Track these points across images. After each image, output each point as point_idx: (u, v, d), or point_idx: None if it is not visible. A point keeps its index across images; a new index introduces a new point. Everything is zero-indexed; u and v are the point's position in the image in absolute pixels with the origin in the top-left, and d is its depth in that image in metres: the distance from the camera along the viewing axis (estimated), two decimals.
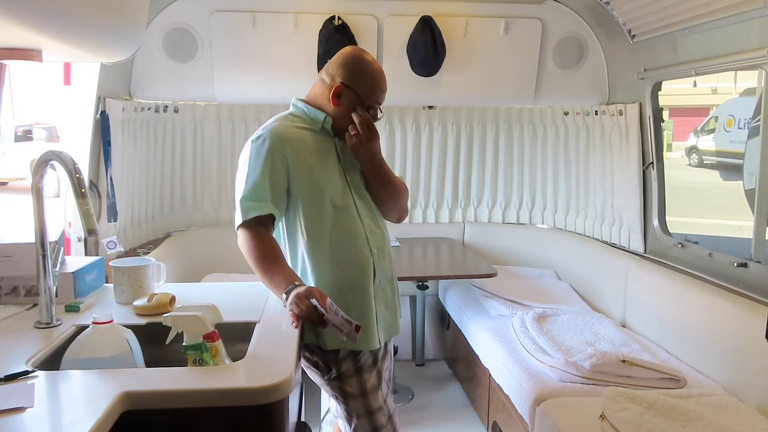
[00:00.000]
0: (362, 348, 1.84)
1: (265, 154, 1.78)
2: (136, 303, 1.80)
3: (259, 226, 1.77)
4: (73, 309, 1.79)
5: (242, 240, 1.77)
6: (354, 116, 1.81)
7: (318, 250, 1.83)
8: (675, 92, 15.31)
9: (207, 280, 3.25)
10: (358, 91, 1.83)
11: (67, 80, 2.76)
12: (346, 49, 1.92)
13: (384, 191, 1.96)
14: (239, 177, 1.82)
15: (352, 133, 1.82)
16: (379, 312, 1.90)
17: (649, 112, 3.12)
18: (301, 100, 1.93)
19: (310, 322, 1.61)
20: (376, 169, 1.91)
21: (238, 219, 1.78)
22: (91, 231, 1.58)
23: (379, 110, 1.91)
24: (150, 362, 1.60)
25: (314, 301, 1.59)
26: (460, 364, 3.55)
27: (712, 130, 14.55)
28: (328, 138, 1.90)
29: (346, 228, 1.85)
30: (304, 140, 1.85)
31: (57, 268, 1.76)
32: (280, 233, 1.89)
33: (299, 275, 1.79)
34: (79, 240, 2.76)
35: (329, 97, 1.84)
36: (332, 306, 1.60)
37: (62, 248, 1.90)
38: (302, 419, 2.13)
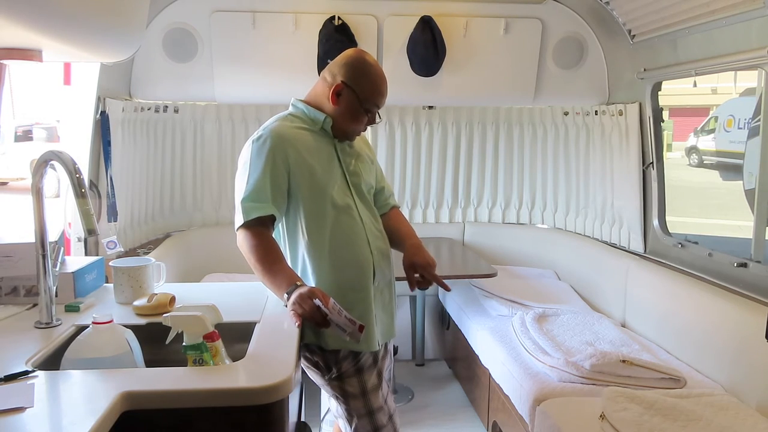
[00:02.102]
0: (362, 349, 1.84)
1: (266, 155, 1.78)
2: (136, 303, 1.80)
3: (260, 227, 1.76)
4: (73, 309, 1.79)
5: (242, 240, 1.77)
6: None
7: (318, 250, 1.83)
8: (675, 92, 15.34)
9: (207, 280, 3.25)
10: (357, 92, 1.83)
11: (67, 80, 2.76)
12: (350, 50, 1.92)
13: None
14: (239, 177, 1.82)
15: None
16: (377, 314, 1.90)
17: (649, 112, 3.12)
18: (301, 100, 1.93)
19: (314, 322, 1.61)
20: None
21: (239, 220, 1.77)
22: (91, 231, 1.58)
23: (378, 114, 1.91)
24: (150, 362, 1.60)
25: (317, 302, 1.59)
26: (460, 364, 3.55)
27: (712, 130, 14.57)
28: (328, 139, 1.90)
29: (347, 229, 1.85)
30: (305, 141, 1.85)
31: (57, 268, 1.76)
32: (280, 233, 1.89)
33: (299, 276, 1.79)
34: (79, 240, 2.76)
35: (329, 95, 1.85)
36: (335, 306, 1.60)
37: (62, 248, 1.90)
38: (302, 419, 2.13)
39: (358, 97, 1.84)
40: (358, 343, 1.67)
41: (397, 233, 2.03)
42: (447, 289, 1.95)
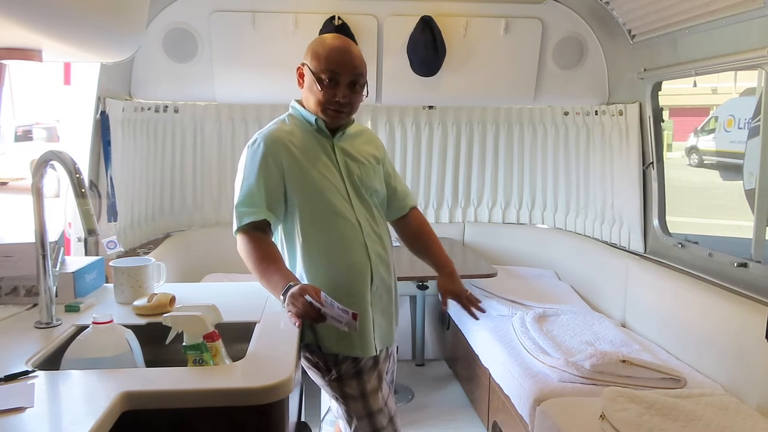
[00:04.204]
0: (358, 354, 1.84)
1: (260, 160, 1.78)
2: (136, 303, 1.80)
3: (257, 231, 1.77)
4: (73, 309, 1.79)
5: (240, 244, 1.78)
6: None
7: (314, 254, 1.83)
8: (675, 92, 15.34)
9: (207, 280, 3.25)
10: (309, 64, 1.81)
11: (67, 80, 2.76)
12: None
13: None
14: (236, 182, 1.83)
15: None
16: (375, 319, 1.89)
17: (649, 112, 3.12)
18: (297, 101, 1.93)
19: (309, 318, 1.61)
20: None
21: (234, 225, 1.79)
22: (91, 231, 1.58)
23: (353, 86, 1.80)
24: (150, 362, 1.60)
25: (308, 298, 1.59)
26: (460, 364, 3.55)
27: (712, 130, 14.57)
28: (326, 139, 1.88)
29: (343, 232, 1.83)
30: (300, 143, 1.84)
31: (57, 268, 1.76)
32: (278, 237, 1.89)
33: (297, 279, 1.78)
34: (79, 240, 2.76)
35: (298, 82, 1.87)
36: (327, 299, 1.60)
37: (62, 248, 1.90)
38: (302, 419, 2.13)
39: (311, 70, 1.81)
40: (356, 332, 1.66)
41: (424, 246, 2.08)
42: (476, 318, 2.02)
